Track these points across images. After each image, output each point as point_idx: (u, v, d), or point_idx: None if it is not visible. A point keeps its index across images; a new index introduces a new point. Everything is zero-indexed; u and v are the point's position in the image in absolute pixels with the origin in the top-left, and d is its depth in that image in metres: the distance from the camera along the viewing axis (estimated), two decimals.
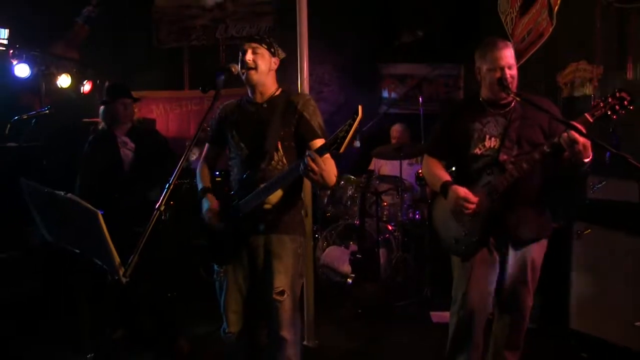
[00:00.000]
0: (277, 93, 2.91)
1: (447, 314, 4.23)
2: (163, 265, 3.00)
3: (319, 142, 2.71)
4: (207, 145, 3.13)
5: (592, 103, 2.58)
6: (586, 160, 2.57)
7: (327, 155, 2.52)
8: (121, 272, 2.24)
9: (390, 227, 5.41)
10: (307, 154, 2.44)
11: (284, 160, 2.82)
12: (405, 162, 5.52)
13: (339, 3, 6.63)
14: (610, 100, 2.51)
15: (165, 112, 6.83)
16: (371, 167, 6.05)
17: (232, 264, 2.92)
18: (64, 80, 5.87)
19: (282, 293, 2.78)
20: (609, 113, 2.50)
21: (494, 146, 2.81)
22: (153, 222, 2.31)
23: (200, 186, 3.05)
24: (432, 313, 4.61)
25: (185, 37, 7.18)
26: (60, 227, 2.63)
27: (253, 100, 2.91)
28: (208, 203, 2.93)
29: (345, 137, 2.30)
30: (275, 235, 2.82)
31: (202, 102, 6.95)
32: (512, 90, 2.72)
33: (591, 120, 2.52)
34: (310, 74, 6.67)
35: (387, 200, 5.57)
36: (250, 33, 6.93)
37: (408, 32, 6.86)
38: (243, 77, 2.83)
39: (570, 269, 3.84)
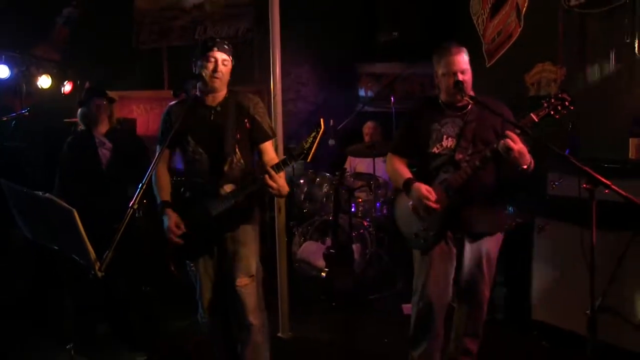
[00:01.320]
0: (227, 95, 3.05)
1: None
2: (139, 261, 3.14)
3: (269, 144, 3.08)
4: (158, 148, 3.08)
5: (540, 104, 2.74)
6: (524, 166, 2.76)
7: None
8: (97, 267, 2.39)
9: (365, 223, 5.56)
10: (265, 170, 2.73)
11: (242, 161, 3.02)
12: (379, 160, 5.67)
13: (316, 4, 6.75)
14: (553, 101, 2.70)
15: (145, 111, 6.92)
16: (346, 164, 6.20)
17: (201, 257, 3.11)
18: (44, 81, 5.96)
19: (250, 276, 3.02)
20: (552, 113, 2.68)
21: (451, 146, 2.98)
22: (127, 220, 2.47)
23: (158, 200, 3.06)
24: (403, 305, 4.77)
25: (165, 38, 7.31)
26: (40, 226, 2.76)
27: (204, 102, 3.02)
28: (167, 220, 2.96)
29: (311, 149, 2.64)
30: (241, 225, 3.04)
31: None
32: (466, 94, 2.88)
33: (536, 120, 2.71)
34: (289, 74, 6.90)
35: (361, 196, 5.72)
36: (229, 34, 7.06)
37: (385, 32, 7.00)
38: (206, 81, 2.94)
39: (531, 262, 4.02)
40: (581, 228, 3.67)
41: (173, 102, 3.12)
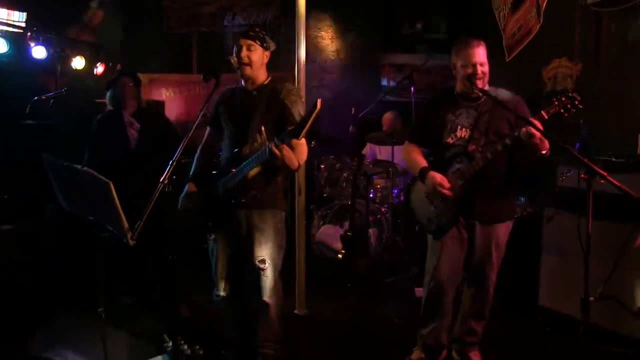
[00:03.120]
0: (266, 82, 3.20)
1: None
2: (166, 234, 3.34)
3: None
4: (207, 128, 3.44)
5: (551, 101, 2.88)
6: (543, 151, 2.91)
7: (300, 143, 2.87)
8: (129, 236, 2.61)
9: (382, 209, 5.74)
10: (274, 140, 2.79)
11: (266, 143, 3.05)
12: (398, 148, 5.82)
13: None
14: (563, 99, 2.83)
15: (174, 94, 7.14)
16: (365, 151, 6.37)
17: (219, 233, 3.27)
18: (78, 63, 6.16)
19: (263, 262, 3.12)
20: (561, 111, 2.82)
21: (465, 136, 3.13)
22: (157, 194, 2.68)
23: (191, 171, 3.38)
24: (416, 289, 4.94)
25: (194, 24, 7.50)
26: (77, 198, 2.98)
27: (245, 87, 3.22)
28: (186, 188, 3.28)
29: (303, 126, 2.65)
30: (257, 210, 3.13)
31: (210, 87, 7.22)
32: (477, 87, 3.02)
33: (546, 117, 2.84)
34: (314, 62, 7.05)
35: (380, 183, 5.90)
36: (257, 21, 7.25)
37: (409, 24, 7.14)
38: (237, 70, 3.13)
39: (540, 251, 4.17)
40: (587, 218, 3.85)
41: (224, 89, 3.32)
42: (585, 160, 2.42)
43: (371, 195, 5.76)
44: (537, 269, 4.19)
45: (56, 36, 6.09)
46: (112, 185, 2.54)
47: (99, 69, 6.37)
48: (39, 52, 5.74)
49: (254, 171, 2.98)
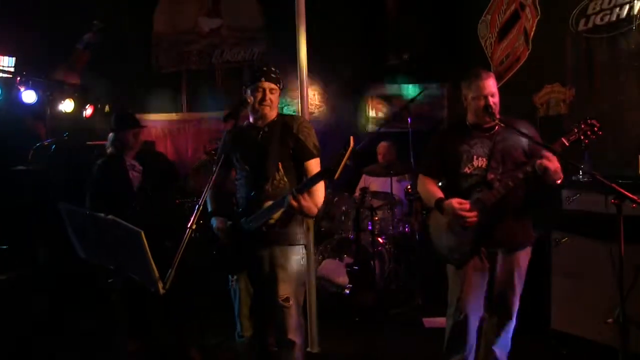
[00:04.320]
0: (275, 117, 3.21)
1: (438, 319, 4.62)
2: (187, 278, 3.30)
3: (313, 162, 3.11)
4: (215, 169, 3.30)
5: (571, 129, 2.95)
6: (558, 182, 2.97)
7: (316, 188, 2.91)
8: (160, 285, 2.55)
9: (381, 240, 5.74)
10: (290, 191, 2.82)
11: (285, 179, 3.12)
12: (394, 179, 5.87)
13: (327, 27, 6.96)
14: (583, 126, 2.90)
15: (163, 135, 7.10)
16: (361, 183, 6.40)
17: (242, 273, 3.22)
18: (67, 106, 6.09)
19: (287, 300, 3.08)
20: (582, 137, 2.88)
21: (482, 165, 3.17)
22: (186, 240, 2.64)
23: (209, 208, 3.35)
24: (424, 319, 4.96)
25: (183, 62, 7.53)
26: (97, 247, 2.92)
27: (255, 125, 3.21)
28: (215, 221, 3.25)
29: (338, 167, 2.64)
30: (279, 247, 3.11)
31: (200, 125, 7.29)
32: (496, 117, 3.08)
33: (567, 144, 2.92)
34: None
35: (378, 215, 5.91)
36: (245, 57, 7.30)
37: (395, 55, 7.25)
38: (256, 109, 3.13)
39: (550, 274, 4.21)
40: (596, 241, 3.91)
41: (229, 129, 3.28)
42: (614, 186, 2.47)
43: (369, 227, 5.76)
44: (547, 292, 4.22)
45: (45, 80, 6.02)
46: (143, 235, 2.49)
47: (88, 111, 6.30)
48: (28, 96, 5.65)
49: (277, 215, 3.00)
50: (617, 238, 2.51)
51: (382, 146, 6.36)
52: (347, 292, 5.21)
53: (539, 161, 2.91)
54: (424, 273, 5.46)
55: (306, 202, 2.87)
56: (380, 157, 6.29)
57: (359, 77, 7.45)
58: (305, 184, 2.90)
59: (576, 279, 4.03)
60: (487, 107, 3.08)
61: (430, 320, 4.93)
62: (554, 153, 2.82)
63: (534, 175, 3.01)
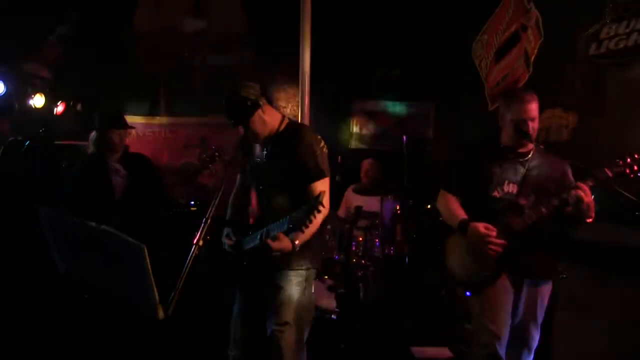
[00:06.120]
0: (282, 127, 2.96)
1: (428, 349, 4.36)
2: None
3: (316, 185, 2.84)
4: (238, 175, 3.26)
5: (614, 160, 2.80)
6: (588, 220, 2.80)
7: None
8: (160, 310, 2.23)
9: (364, 262, 5.42)
10: (267, 234, 2.67)
11: (286, 199, 2.90)
12: (376, 198, 5.60)
13: (314, 40, 6.75)
14: (629, 160, 2.73)
15: (138, 138, 6.68)
16: (345, 201, 6.13)
17: (241, 293, 3.06)
18: (38, 100, 5.67)
19: (284, 324, 2.87)
20: (627, 171, 2.71)
21: (512, 191, 2.99)
22: (192, 257, 2.34)
23: (227, 216, 3.23)
24: (413, 348, 4.70)
25: (163, 63, 7.12)
26: (83, 261, 2.57)
27: (260, 140, 2.99)
28: (226, 231, 3.04)
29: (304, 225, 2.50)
30: (278, 270, 2.91)
31: (177, 130, 6.93)
32: (533, 142, 2.88)
33: (610, 175, 2.76)
34: (285, 108, 6.83)
35: (361, 235, 5.62)
36: (227, 62, 6.96)
37: (382, 71, 7.05)
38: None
39: (553, 308, 4.02)
40: (602, 274, 3.77)
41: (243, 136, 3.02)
42: None
43: (353, 248, 5.48)
44: (549, 327, 4.03)
45: (12, 70, 5.60)
46: (145, 250, 2.16)
47: (59, 107, 5.87)
48: None
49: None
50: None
51: (366, 163, 6.13)
52: (334, 317, 4.88)
53: (573, 191, 2.74)
54: (412, 299, 5.23)
55: (278, 245, 2.67)
56: (362, 175, 6.06)
57: (344, 92, 7.19)
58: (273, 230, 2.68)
59: (579, 313, 3.83)
60: (525, 134, 2.89)
61: (419, 350, 4.67)
62: (598, 180, 2.63)
63: (566, 205, 2.81)
